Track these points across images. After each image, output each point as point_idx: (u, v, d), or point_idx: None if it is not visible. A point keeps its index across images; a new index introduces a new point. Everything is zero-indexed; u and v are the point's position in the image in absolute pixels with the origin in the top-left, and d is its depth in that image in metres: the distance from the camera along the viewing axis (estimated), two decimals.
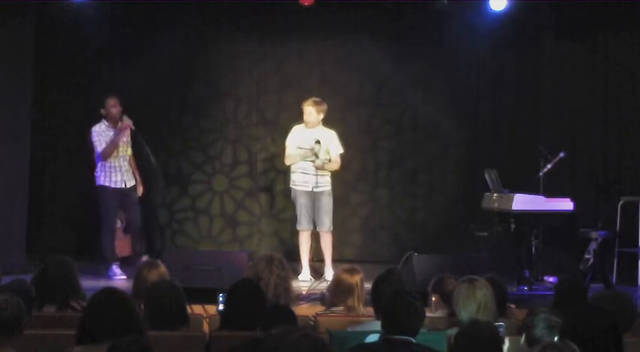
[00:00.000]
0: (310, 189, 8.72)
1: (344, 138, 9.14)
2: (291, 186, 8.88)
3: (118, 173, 8.79)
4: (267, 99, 10.59)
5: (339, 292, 5.46)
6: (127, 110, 9.30)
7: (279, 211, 10.50)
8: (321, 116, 8.77)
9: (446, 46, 10.41)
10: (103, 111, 8.81)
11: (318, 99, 8.84)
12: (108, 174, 8.77)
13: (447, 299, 5.25)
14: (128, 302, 4.03)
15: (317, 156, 8.64)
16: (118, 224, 9.51)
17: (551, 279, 8.54)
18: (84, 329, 3.89)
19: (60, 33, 10.05)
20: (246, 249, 10.09)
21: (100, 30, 10.18)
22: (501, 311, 5.15)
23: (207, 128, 10.54)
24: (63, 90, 10.17)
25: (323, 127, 8.83)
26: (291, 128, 8.93)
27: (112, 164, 8.76)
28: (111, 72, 10.34)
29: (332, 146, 8.78)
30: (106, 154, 8.70)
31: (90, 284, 6.79)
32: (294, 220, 9.31)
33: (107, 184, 8.75)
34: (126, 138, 8.89)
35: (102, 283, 8.08)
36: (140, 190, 9.13)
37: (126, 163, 8.88)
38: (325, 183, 8.78)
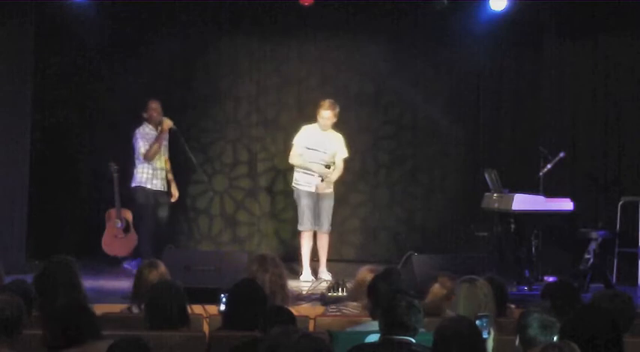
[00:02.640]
0: (314, 190, 8.72)
1: (344, 138, 9.13)
2: (294, 185, 8.87)
3: (157, 175, 8.91)
4: (267, 99, 10.59)
5: (361, 290, 5.48)
6: (127, 110, 9.33)
7: (279, 211, 10.50)
8: (335, 119, 8.78)
9: (446, 46, 10.40)
10: (144, 114, 8.93)
11: (332, 101, 8.80)
12: (147, 175, 8.87)
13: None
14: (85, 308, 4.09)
15: (322, 179, 8.66)
16: (118, 224, 9.52)
17: (551, 279, 8.54)
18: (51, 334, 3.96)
19: (60, 33, 10.04)
20: (246, 249, 10.08)
21: (100, 30, 10.18)
22: (501, 311, 5.16)
23: (207, 128, 10.53)
24: (63, 90, 10.16)
25: (332, 130, 8.83)
26: (300, 127, 8.95)
27: (152, 166, 8.85)
28: (111, 72, 10.34)
29: (339, 150, 8.80)
30: (150, 156, 8.84)
31: (90, 284, 6.78)
32: (294, 220, 9.33)
33: (145, 185, 8.87)
34: (166, 141, 8.99)
35: (102, 283, 8.09)
36: (175, 195, 9.21)
37: (164, 166, 8.99)
38: (329, 186, 8.78)
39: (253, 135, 10.58)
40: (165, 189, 9.09)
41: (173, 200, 9.25)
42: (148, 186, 8.91)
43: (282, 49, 10.58)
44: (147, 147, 8.84)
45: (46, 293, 5.07)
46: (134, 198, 9.03)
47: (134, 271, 8.53)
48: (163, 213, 9.08)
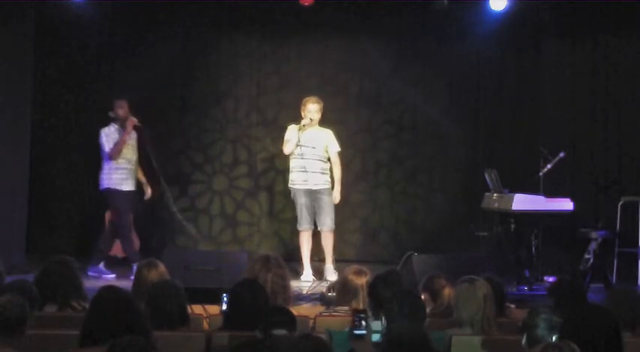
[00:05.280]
0: (310, 187, 8.73)
1: (344, 138, 9.16)
2: (290, 186, 8.89)
3: (124, 176, 8.78)
4: (267, 99, 10.59)
5: (344, 293, 5.47)
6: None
7: (279, 211, 10.50)
8: (320, 114, 8.80)
9: (446, 46, 10.41)
10: (111, 114, 8.82)
11: (316, 97, 8.87)
12: (115, 176, 8.75)
13: (434, 297, 5.38)
14: (132, 300, 4.04)
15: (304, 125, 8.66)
16: None
17: (551, 279, 8.54)
18: (87, 329, 3.88)
19: (60, 33, 10.05)
20: (246, 249, 10.08)
21: (100, 30, 10.18)
22: (500, 310, 5.16)
23: (207, 128, 10.54)
24: (63, 90, 10.17)
25: (318, 127, 8.84)
26: (288, 127, 8.95)
27: (119, 167, 8.75)
28: (111, 72, 10.34)
29: (330, 145, 8.80)
30: (114, 154, 8.69)
31: (90, 284, 6.78)
32: (294, 220, 9.34)
33: (115, 187, 8.72)
34: (132, 142, 8.88)
35: (101, 283, 8.08)
36: (148, 192, 9.11)
37: (132, 167, 8.87)
38: (325, 182, 8.79)
39: (253, 135, 10.58)
40: (133, 190, 8.89)
41: (147, 197, 9.12)
42: (115, 187, 8.72)
43: (282, 49, 10.59)
44: (111, 145, 8.70)
45: (46, 293, 5.07)
46: (106, 202, 8.89)
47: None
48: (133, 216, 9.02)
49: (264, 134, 10.54)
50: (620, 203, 9.43)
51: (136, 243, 9.46)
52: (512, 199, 8.35)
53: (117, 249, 9.55)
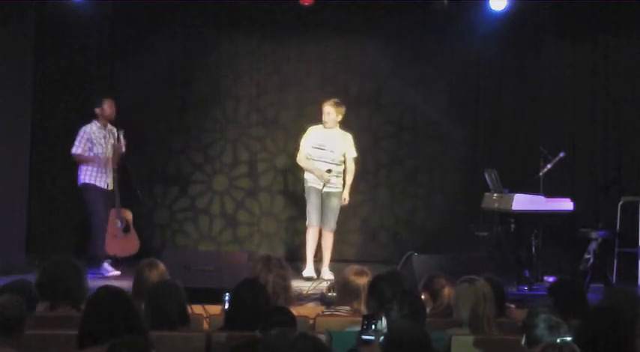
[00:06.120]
0: (321, 188, 8.77)
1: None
2: (305, 183, 8.92)
3: (102, 173, 8.79)
4: (267, 99, 10.59)
5: (345, 293, 5.47)
6: (127, 110, 9.33)
7: (279, 211, 10.50)
8: (339, 118, 8.87)
9: (446, 46, 10.41)
10: (97, 110, 8.82)
11: (338, 100, 8.93)
12: (92, 173, 8.76)
13: (435, 297, 5.40)
14: (129, 300, 4.04)
15: (324, 183, 8.73)
16: (118, 224, 9.52)
17: (551, 279, 8.54)
18: (84, 329, 3.88)
19: (60, 33, 10.05)
20: (246, 249, 10.08)
21: (100, 30, 10.18)
22: (500, 310, 5.17)
23: (207, 128, 10.53)
24: (63, 90, 10.16)
25: (339, 129, 8.89)
26: (302, 128, 9.07)
27: (97, 164, 8.76)
28: (111, 72, 10.33)
29: (348, 150, 8.85)
30: (76, 159, 8.73)
31: (89, 283, 6.74)
32: (294, 220, 9.35)
33: (91, 182, 8.74)
34: (113, 141, 8.89)
35: (100, 282, 8.07)
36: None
37: (109, 165, 8.87)
38: (338, 185, 8.85)
39: (253, 135, 10.57)
40: (110, 188, 8.89)
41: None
42: (93, 183, 8.74)
43: (282, 49, 10.58)
44: (82, 147, 8.70)
45: (47, 293, 5.05)
46: (82, 197, 8.84)
47: (108, 274, 8.61)
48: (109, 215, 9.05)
49: (264, 134, 10.54)
50: (620, 203, 9.44)
51: (136, 243, 9.47)
52: (512, 199, 8.35)
53: (116, 249, 9.56)
